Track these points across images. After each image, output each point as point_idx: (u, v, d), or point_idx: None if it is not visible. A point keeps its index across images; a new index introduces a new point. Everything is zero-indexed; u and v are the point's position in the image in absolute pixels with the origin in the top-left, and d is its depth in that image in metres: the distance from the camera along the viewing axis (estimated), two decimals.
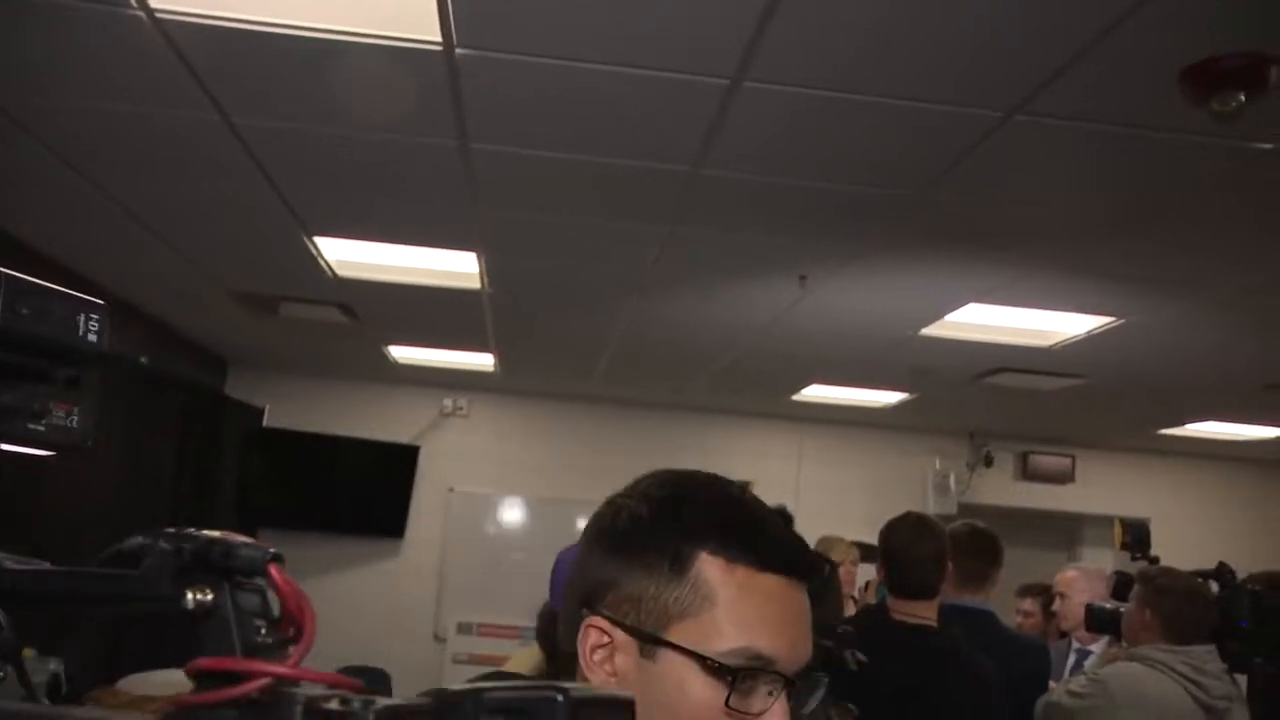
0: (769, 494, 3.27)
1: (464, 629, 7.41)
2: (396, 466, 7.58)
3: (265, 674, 0.76)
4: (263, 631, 0.82)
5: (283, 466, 7.30)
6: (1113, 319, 4.50)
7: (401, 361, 6.91)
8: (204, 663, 0.78)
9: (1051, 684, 3.22)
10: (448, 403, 7.80)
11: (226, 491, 7.01)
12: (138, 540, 0.85)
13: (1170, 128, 2.59)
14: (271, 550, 0.83)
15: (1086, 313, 4.48)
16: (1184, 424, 6.97)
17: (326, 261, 4.49)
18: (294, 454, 7.35)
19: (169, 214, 4.03)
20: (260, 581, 0.84)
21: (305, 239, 4.17)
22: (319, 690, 0.78)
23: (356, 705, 0.75)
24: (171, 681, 3.93)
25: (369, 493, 7.57)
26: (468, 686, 0.76)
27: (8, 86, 2.88)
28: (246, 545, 0.84)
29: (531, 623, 4.12)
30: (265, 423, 7.50)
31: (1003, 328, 4.82)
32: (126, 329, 5.57)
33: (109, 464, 5.26)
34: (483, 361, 6.70)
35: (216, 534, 0.85)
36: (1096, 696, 2.85)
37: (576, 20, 2.29)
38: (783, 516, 3.17)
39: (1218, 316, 4.36)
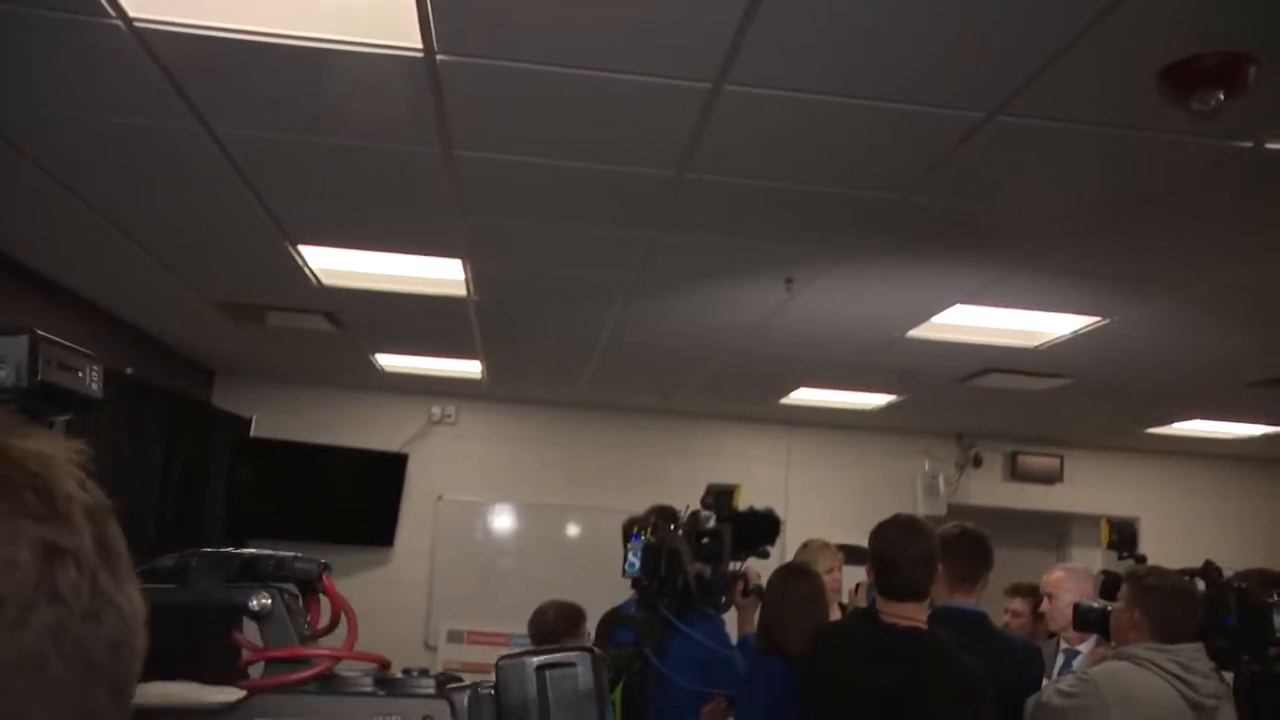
0: (758, 498, 3.27)
1: (454, 637, 7.38)
2: (385, 475, 7.56)
3: (332, 656, 0.92)
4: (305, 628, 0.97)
5: (271, 476, 7.27)
6: (1098, 319, 4.51)
7: (389, 370, 6.89)
8: (275, 651, 0.92)
9: (1043, 683, 3.22)
10: (436, 411, 7.78)
11: (214, 502, 6.97)
12: (171, 559, 0.98)
13: (1150, 127, 2.60)
14: (322, 561, 1.01)
15: (1072, 313, 4.50)
16: (1171, 423, 7.00)
17: (312, 270, 4.48)
18: (282, 464, 7.31)
19: (152, 224, 4.01)
20: (289, 586, 0.99)
21: (290, 248, 4.15)
22: (373, 667, 0.92)
23: (416, 673, 0.93)
24: (168, 693, 3.88)
25: (358, 502, 7.54)
26: (519, 650, 0.90)
27: None
28: (299, 559, 1.00)
29: (522, 629, 4.15)
30: (253, 433, 7.47)
31: (989, 329, 4.84)
32: (111, 340, 5.53)
33: (95, 476, 5.22)
34: (470, 369, 6.69)
35: (265, 550, 1.00)
36: (1086, 696, 2.85)
37: (557, 25, 2.29)
38: (771, 520, 3.18)
39: (1201, 314, 4.38)
